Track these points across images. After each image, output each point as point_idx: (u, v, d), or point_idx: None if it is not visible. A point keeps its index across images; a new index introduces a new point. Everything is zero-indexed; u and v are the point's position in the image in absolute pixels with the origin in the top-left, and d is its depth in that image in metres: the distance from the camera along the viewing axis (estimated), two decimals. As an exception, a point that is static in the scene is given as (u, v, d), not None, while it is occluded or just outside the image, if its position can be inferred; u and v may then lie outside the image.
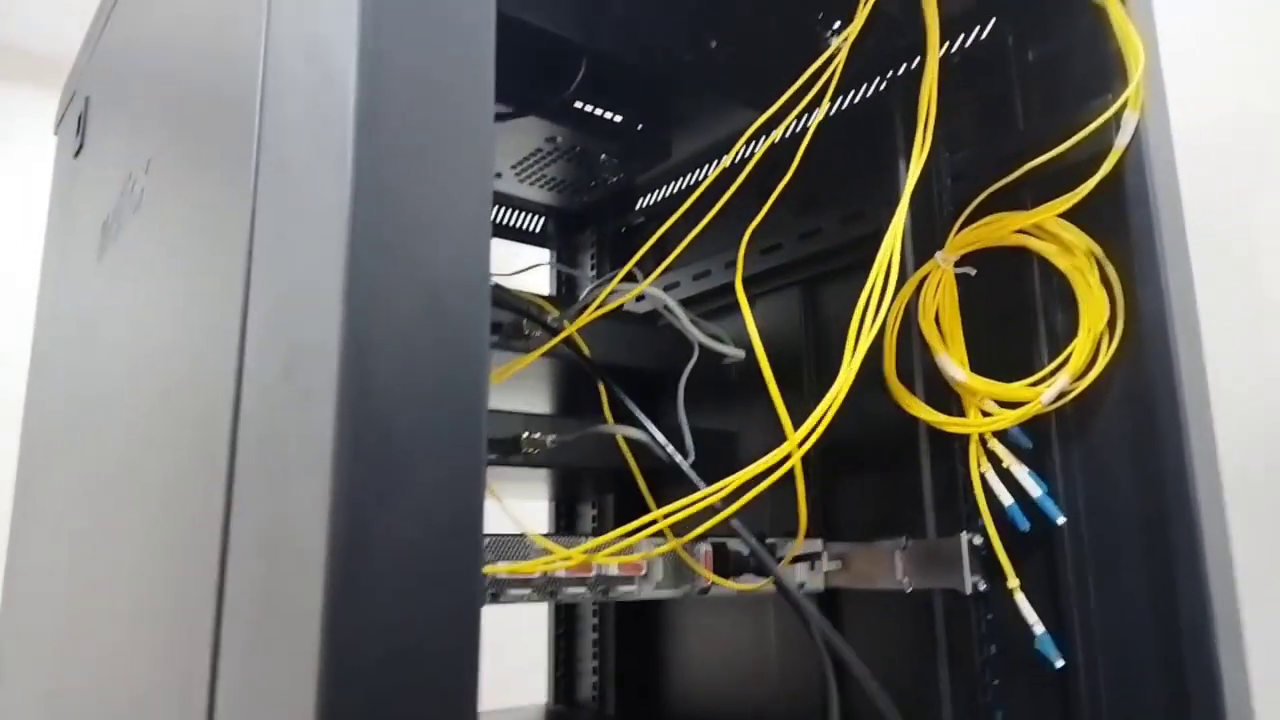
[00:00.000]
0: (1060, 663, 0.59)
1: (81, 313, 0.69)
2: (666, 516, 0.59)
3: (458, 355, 0.32)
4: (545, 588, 0.57)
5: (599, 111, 0.81)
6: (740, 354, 0.71)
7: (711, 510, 0.59)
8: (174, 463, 0.42)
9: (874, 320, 0.59)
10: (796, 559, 0.67)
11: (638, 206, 0.99)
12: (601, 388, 0.69)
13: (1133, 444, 0.60)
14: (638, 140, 0.85)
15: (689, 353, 0.74)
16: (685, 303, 0.83)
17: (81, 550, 0.57)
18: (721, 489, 0.59)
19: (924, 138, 0.62)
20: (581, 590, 0.58)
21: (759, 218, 0.66)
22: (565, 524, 0.98)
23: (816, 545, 0.70)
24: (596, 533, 0.96)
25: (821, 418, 0.58)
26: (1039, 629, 0.60)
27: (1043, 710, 0.60)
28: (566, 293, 1.05)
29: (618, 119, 0.82)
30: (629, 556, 0.59)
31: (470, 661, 0.31)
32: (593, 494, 0.95)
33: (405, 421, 0.30)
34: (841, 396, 0.57)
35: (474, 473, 0.33)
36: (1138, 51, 0.60)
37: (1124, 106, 0.60)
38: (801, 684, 0.75)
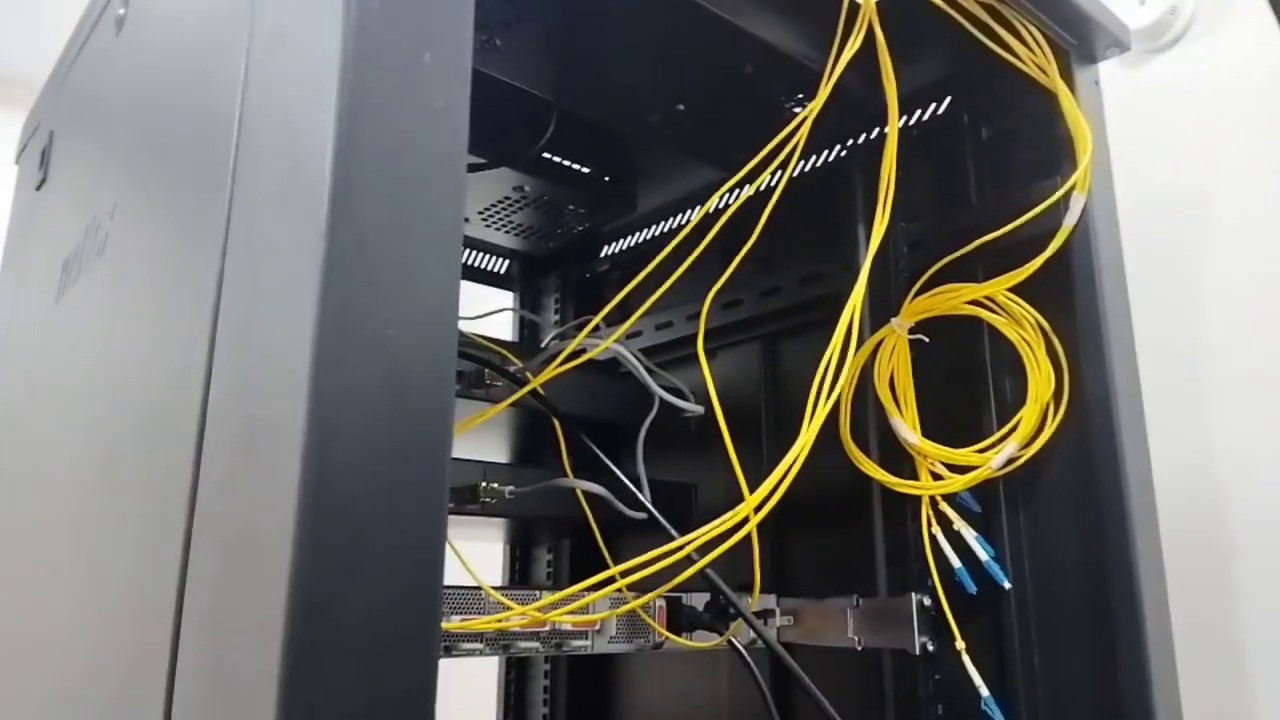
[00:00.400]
0: (1005, 725, 0.60)
1: (37, 354, 0.68)
2: (625, 574, 0.59)
3: (421, 429, 0.32)
4: (498, 642, 0.58)
5: (567, 163, 0.83)
6: (699, 409, 0.72)
7: (667, 566, 0.60)
8: (126, 525, 0.42)
9: (832, 384, 0.60)
10: (744, 616, 0.68)
11: (602, 254, 1.00)
12: (561, 437, 0.70)
13: (1077, 511, 0.62)
14: (604, 192, 0.87)
15: (649, 403, 0.75)
16: (646, 352, 0.84)
17: (30, 611, 0.56)
18: (681, 547, 0.60)
19: (884, 207, 0.64)
20: (534, 645, 0.58)
21: (723, 279, 0.68)
22: (520, 570, 0.98)
23: (770, 601, 0.71)
24: (552, 579, 0.97)
25: (780, 480, 0.59)
26: (984, 691, 0.61)
27: (986, 772, 0.61)
28: (529, 337, 1.05)
29: (585, 170, 0.84)
30: (585, 617, 0.59)
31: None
32: (549, 540, 0.95)
33: (366, 497, 0.31)
34: (801, 460, 0.59)
35: (435, 539, 0.33)
36: (1086, 137, 0.63)
37: (1073, 188, 0.63)
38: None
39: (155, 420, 0.40)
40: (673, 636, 0.62)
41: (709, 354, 0.85)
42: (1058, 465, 0.63)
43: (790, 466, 0.59)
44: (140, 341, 0.45)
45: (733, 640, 0.62)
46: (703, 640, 0.66)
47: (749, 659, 0.61)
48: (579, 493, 0.68)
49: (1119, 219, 0.65)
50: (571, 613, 0.59)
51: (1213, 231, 0.85)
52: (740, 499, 0.59)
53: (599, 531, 0.68)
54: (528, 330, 1.06)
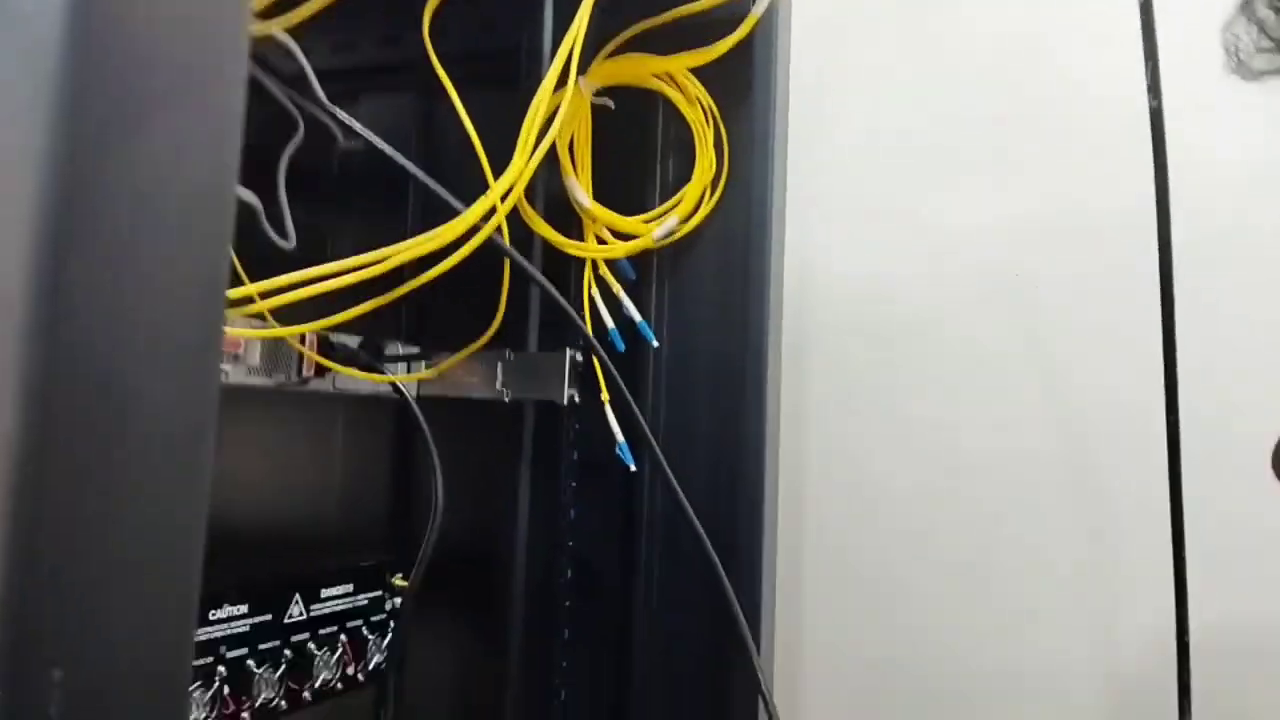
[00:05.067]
0: (634, 467, 0.65)
1: None
2: (266, 296, 0.52)
3: None
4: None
5: None
6: (369, 134, 0.64)
7: (316, 303, 0.54)
8: None
9: (532, 142, 0.57)
10: (397, 358, 0.64)
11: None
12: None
13: (718, 288, 0.68)
14: None
15: (292, 129, 0.65)
16: (322, 76, 0.72)
17: None
18: (336, 274, 0.54)
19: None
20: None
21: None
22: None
23: (416, 350, 0.67)
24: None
25: (492, 213, 0.55)
26: (620, 438, 0.65)
27: (611, 509, 0.67)
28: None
29: None
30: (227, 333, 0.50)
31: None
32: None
33: None
34: (516, 196, 0.55)
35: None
36: (786, -69, 0.66)
37: (766, -22, 0.66)
38: (370, 498, 0.73)
39: None
40: (329, 363, 0.56)
41: (372, 91, 0.76)
42: (708, 244, 0.69)
43: (495, 199, 0.56)
44: None
45: (398, 384, 0.58)
46: (348, 384, 0.61)
47: (413, 402, 0.58)
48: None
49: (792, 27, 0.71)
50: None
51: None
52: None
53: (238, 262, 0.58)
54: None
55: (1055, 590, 0.74)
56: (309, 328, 0.55)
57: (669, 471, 0.61)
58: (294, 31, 0.56)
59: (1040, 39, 0.77)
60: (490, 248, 0.57)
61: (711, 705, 0.62)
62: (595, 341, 0.65)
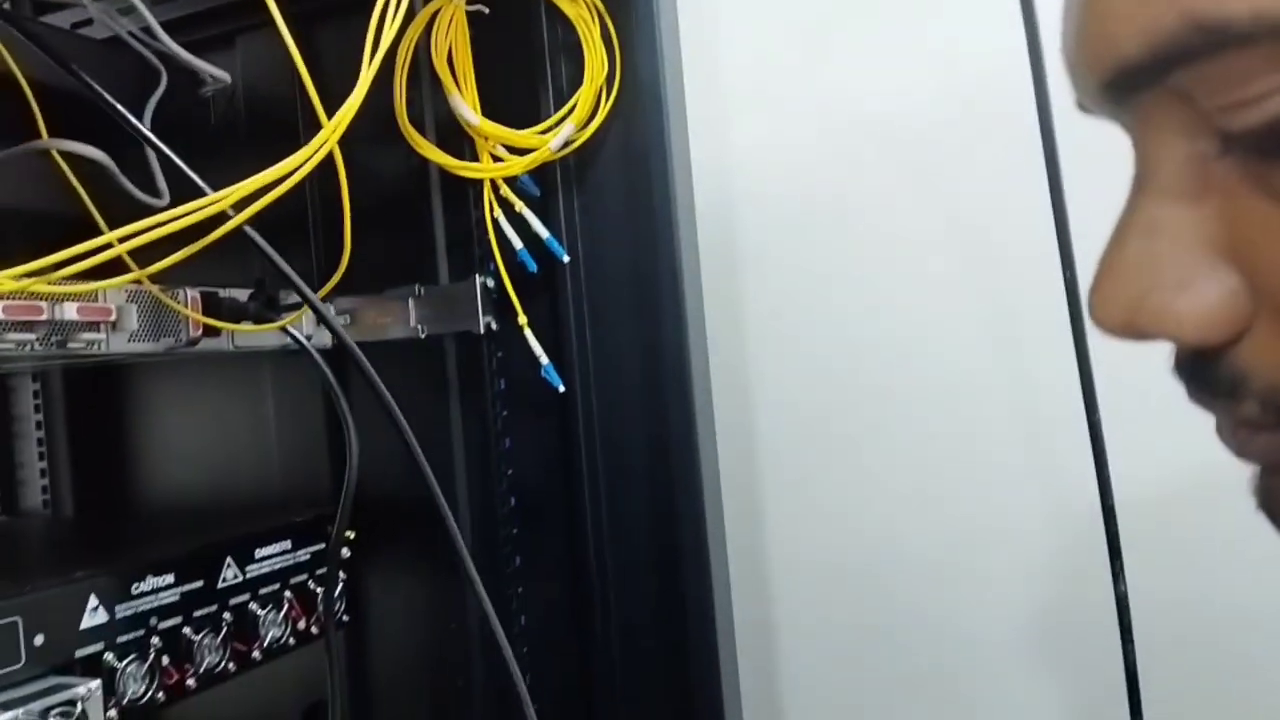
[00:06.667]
0: (562, 388, 0.64)
1: None
2: (125, 240, 0.48)
3: None
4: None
5: None
6: (225, 76, 0.61)
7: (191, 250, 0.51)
8: None
9: (377, 54, 0.53)
10: (289, 308, 0.62)
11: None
12: (36, 109, 0.54)
13: (627, 193, 0.65)
14: None
15: (156, 80, 0.62)
16: (174, 25, 0.68)
17: None
18: (193, 212, 0.50)
19: None
20: (30, 340, 0.46)
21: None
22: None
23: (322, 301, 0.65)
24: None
25: (320, 147, 0.52)
26: (545, 360, 0.64)
27: (545, 432, 0.66)
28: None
29: None
30: (85, 287, 0.47)
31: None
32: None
33: None
34: (343, 125, 0.52)
35: None
36: None
37: None
38: (306, 453, 0.72)
39: None
40: (214, 321, 0.54)
41: (233, 37, 0.72)
42: (610, 148, 0.66)
43: (333, 132, 0.52)
44: None
45: (291, 329, 0.56)
46: (251, 340, 0.59)
47: (312, 349, 0.56)
48: (69, 174, 0.54)
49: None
50: (79, 299, 0.47)
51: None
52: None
53: (100, 218, 0.55)
54: None
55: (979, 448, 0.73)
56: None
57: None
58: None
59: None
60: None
61: (665, 614, 0.62)
62: (502, 266, 0.63)
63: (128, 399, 0.76)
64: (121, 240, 0.44)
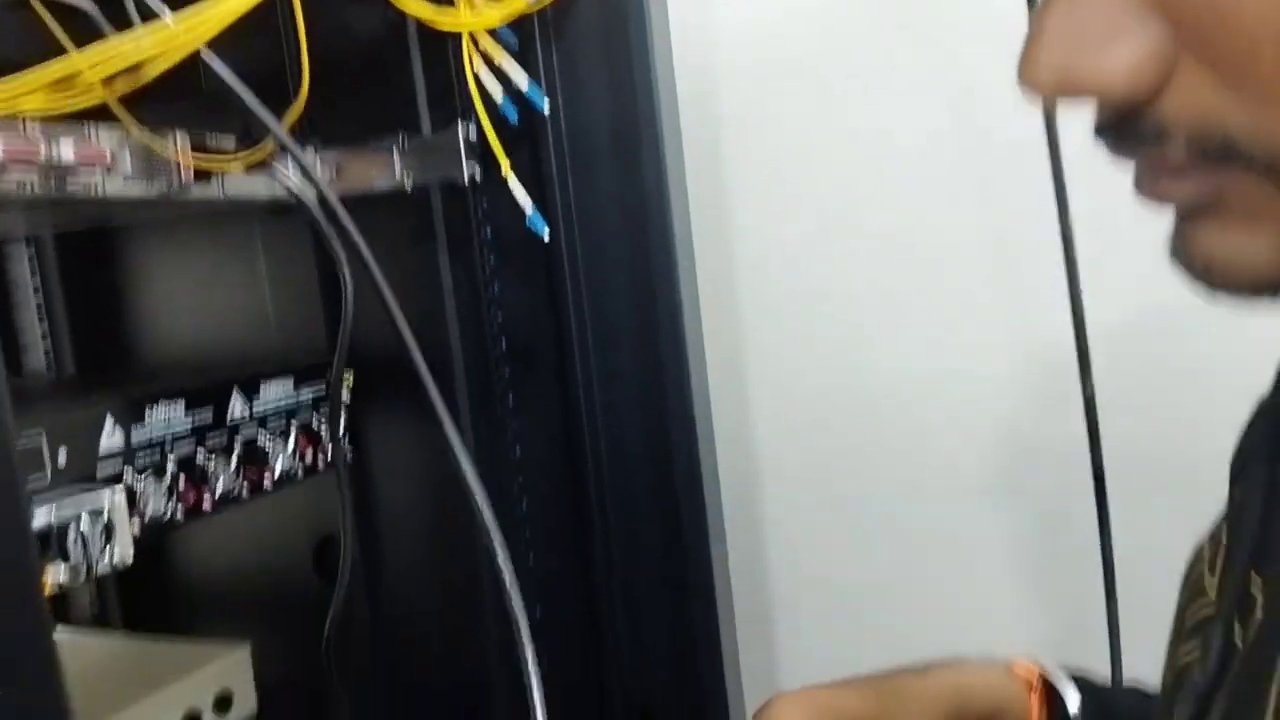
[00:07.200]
0: (547, 236, 0.66)
1: None
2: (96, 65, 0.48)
3: None
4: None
5: None
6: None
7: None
8: None
9: None
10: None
11: None
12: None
13: (604, 44, 0.67)
14: None
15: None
16: None
17: None
18: (153, 34, 0.51)
19: None
20: (30, 180, 0.48)
21: None
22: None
23: (308, 154, 0.67)
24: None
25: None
26: (529, 208, 0.66)
27: (532, 278, 0.68)
28: None
29: None
30: (93, 150, 0.49)
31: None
32: None
33: None
34: None
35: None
36: None
37: None
38: (300, 310, 0.74)
39: None
40: (203, 161, 0.55)
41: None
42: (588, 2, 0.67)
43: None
44: None
45: (279, 172, 0.58)
46: (240, 188, 0.60)
47: (301, 195, 0.58)
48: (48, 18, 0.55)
49: None
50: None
51: None
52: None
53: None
54: None
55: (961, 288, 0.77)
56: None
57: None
58: None
59: None
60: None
61: (650, 437, 0.67)
62: (483, 116, 0.65)
63: (123, 263, 0.78)
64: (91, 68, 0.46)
